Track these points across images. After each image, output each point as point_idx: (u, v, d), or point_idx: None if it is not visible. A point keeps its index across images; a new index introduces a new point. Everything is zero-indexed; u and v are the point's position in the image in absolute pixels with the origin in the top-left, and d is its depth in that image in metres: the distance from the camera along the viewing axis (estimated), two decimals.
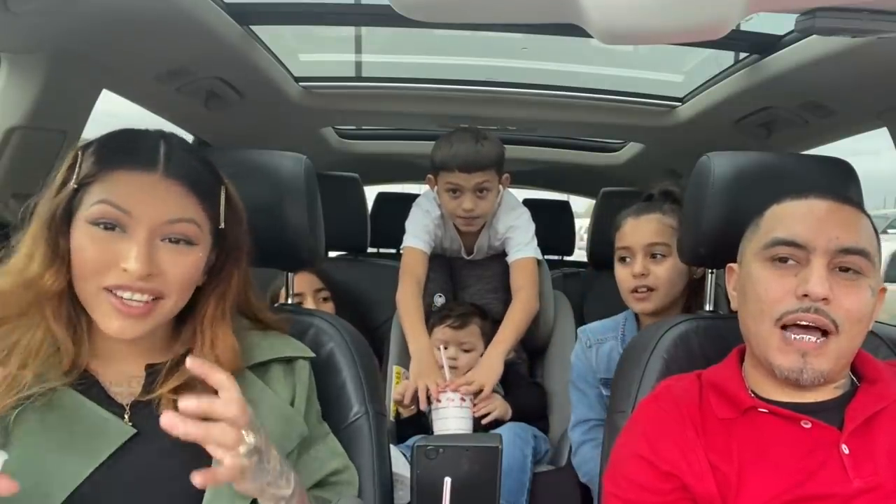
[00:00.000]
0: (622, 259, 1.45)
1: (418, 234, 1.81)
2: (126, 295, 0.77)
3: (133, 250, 0.76)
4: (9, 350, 0.78)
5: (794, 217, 0.87)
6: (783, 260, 0.85)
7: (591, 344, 1.48)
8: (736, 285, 0.96)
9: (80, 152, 0.80)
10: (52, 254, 0.78)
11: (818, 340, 0.82)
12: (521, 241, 1.79)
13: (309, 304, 1.81)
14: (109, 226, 0.78)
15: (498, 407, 1.57)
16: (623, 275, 1.44)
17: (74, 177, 0.79)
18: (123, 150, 0.81)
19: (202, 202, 0.83)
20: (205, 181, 0.84)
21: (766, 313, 0.84)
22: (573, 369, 1.51)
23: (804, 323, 0.82)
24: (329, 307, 1.85)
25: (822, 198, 0.88)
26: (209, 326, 0.86)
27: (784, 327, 0.83)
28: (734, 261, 0.98)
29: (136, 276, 0.76)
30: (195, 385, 0.81)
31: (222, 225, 0.85)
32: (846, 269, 0.84)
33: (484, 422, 1.53)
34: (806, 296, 0.82)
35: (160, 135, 0.84)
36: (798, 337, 0.82)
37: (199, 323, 0.86)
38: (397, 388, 1.59)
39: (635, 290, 1.41)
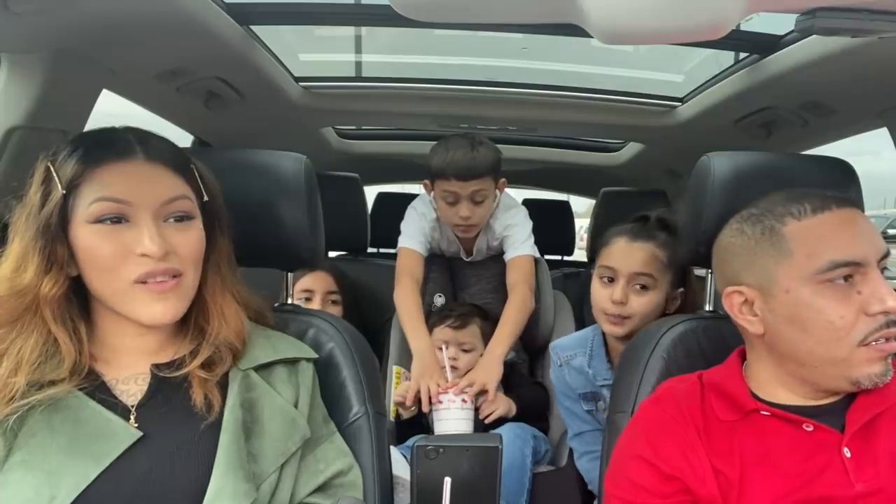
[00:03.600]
0: (603, 278, 1.38)
1: (413, 236, 1.81)
2: (151, 280, 0.80)
3: (144, 234, 0.79)
4: None
5: (836, 234, 0.83)
6: (845, 279, 0.82)
7: (561, 363, 1.46)
8: (745, 309, 0.89)
9: (49, 164, 0.81)
10: (48, 261, 0.79)
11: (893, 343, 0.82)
12: (517, 240, 1.79)
13: (316, 303, 1.81)
14: (115, 219, 0.80)
15: (502, 405, 1.57)
16: (601, 295, 1.37)
17: (59, 184, 0.79)
18: (99, 145, 0.83)
19: (185, 178, 0.86)
20: (181, 160, 0.87)
21: (844, 339, 0.81)
22: (555, 387, 1.50)
23: (884, 340, 0.81)
24: (336, 311, 1.84)
25: (842, 206, 0.85)
26: (215, 295, 0.89)
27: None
28: None
29: (157, 258, 0.79)
30: (219, 360, 0.86)
31: (206, 198, 0.88)
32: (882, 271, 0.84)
33: (488, 420, 1.53)
34: (881, 313, 0.80)
35: (126, 128, 0.87)
36: (883, 344, 0.81)
37: (206, 294, 0.89)
38: (398, 389, 1.59)
39: (609, 314, 1.36)
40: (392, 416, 1.62)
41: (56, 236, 0.79)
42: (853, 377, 0.82)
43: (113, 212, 0.79)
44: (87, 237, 0.79)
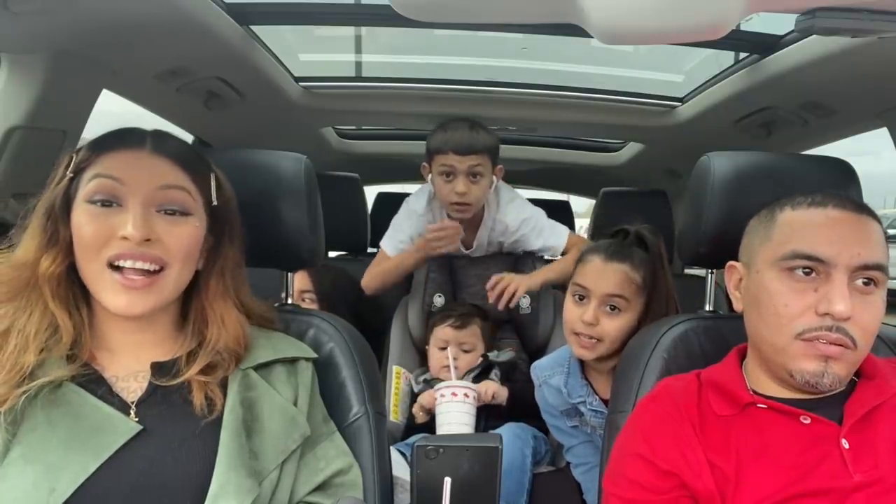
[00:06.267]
0: (576, 296, 1.36)
1: (394, 237, 1.87)
2: (128, 264, 0.80)
3: (129, 218, 0.80)
4: (5, 331, 0.80)
5: (814, 229, 0.84)
6: (805, 271, 0.83)
7: (541, 382, 1.46)
8: (739, 286, 0.95)
9: (73, 154, 0.84)
10: (49, 241, 0.81)
11: (840, 349, 0.82)
12: (545, 226, 1.87)
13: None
14: (106, 202, 0.81)
15: (494, 387, 1.59)
16: (572, 314, 1.35)
17: (70, 168, 0.82)
18: (114, 137, 0.85)
19: (191, 175, 0.86)
20: (192, 159, 0.88)
21: (784, 328, 0.83)
22: (540, 407, 1.50)
23: (824, 342, 0.81)
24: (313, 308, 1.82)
25: (840, 207, 0.85)
26: (215, 302, 0.89)
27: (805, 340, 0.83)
28: (734, 260, 0.98)
29: (136, 242, 0.79)
30: (220, 363, 0.85)
31: (214, 201, 0.88)
32: (865, 282, 0.83)
33: (487, 393, 1.55)
34: (828, 314, 0.80)
35: (153, 130, 0.88)
36: (823, 342, 0.81)
37: (205, 301, 0.89)
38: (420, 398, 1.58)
39: (579, 334, 1.33)
40: (402, 420, 1.62)
41: (59, 218, 0.81)
42: (788, 368, 0.84)
43: (106, 189, 0.81)
44: (80, 216, 0.81)
